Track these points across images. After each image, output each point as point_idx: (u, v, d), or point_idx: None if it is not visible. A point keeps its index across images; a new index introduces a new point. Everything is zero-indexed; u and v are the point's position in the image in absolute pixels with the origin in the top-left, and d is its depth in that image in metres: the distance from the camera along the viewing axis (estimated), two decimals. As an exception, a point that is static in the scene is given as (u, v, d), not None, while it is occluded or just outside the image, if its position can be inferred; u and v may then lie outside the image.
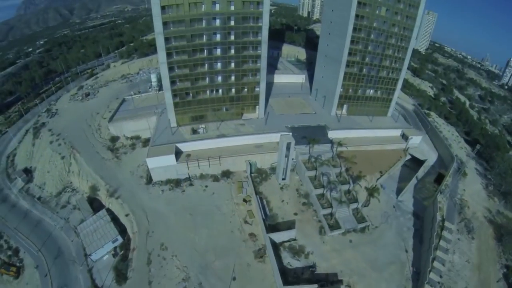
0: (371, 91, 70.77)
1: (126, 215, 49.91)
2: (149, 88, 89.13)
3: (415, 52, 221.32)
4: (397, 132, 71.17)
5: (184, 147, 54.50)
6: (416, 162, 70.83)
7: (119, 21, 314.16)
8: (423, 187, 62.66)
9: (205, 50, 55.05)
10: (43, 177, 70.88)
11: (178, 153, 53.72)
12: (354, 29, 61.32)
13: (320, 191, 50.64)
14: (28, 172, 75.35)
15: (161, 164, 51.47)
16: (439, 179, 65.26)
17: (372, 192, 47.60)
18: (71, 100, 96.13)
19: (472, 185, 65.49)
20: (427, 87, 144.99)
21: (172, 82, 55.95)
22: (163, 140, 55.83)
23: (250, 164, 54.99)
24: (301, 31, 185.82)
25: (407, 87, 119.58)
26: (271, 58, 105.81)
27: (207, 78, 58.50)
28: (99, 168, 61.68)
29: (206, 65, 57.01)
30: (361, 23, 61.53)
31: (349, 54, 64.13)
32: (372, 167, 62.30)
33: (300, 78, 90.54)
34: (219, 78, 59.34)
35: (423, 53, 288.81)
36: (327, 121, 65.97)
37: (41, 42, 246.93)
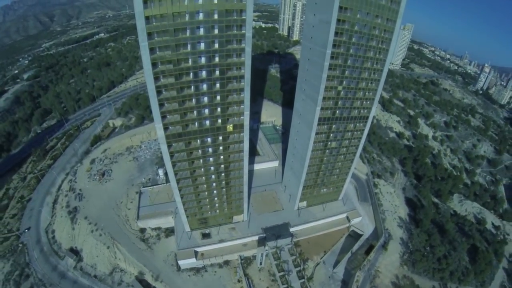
0: (325, 189, 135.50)
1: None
2: (156, 175, 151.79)
3: (389, 74, 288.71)
4: (343, 215, 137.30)
5: (199, 249, 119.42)
6: (357, 233, 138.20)
7: (102, 34, 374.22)
8: (355, 259, 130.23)
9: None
10: (92, 259, 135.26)
11: (196, 252, 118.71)
12: (311, 153, 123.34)
13: (282, 273, 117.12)
14: (75, 252, 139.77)
15: (187, 262, 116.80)
16: (370, 249, 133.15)
17: (309, 279, 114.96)
18: (89, 180, 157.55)
19: (391, 256, 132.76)
20: (394, 122, 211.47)
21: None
22: (184, 244, 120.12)
23: (240, 256, 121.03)
24: (281, 58, 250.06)
25: (371, 137, 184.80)
26: (251, 132, 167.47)
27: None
28: (140, 257, 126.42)
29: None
30: (317, 146, 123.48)
31: (307, 172, 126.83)
32: (320, 247, 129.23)
33: (274, 163, 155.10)
34: (215, 191, 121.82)
35: (398, 69, 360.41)
36: (291, 216, 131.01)
37: (26, 62, 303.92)
